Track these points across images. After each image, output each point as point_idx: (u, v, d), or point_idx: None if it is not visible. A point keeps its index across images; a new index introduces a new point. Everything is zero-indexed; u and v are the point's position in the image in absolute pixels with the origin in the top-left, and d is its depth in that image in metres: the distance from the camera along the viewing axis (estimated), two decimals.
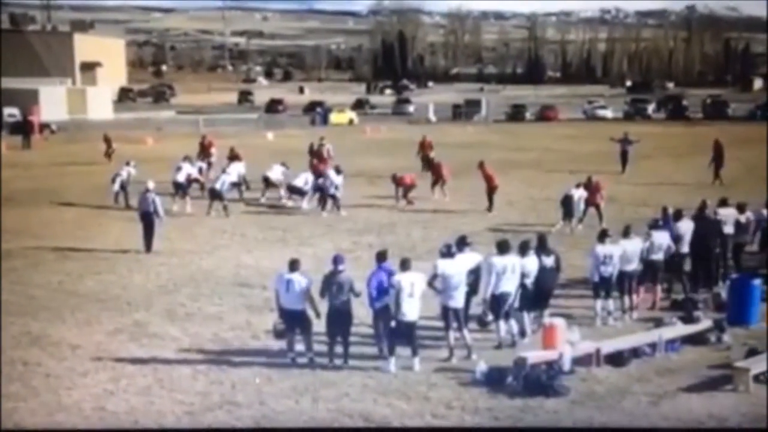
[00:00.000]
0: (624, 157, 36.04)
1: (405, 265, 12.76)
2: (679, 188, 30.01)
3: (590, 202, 23.75)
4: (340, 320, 12.80)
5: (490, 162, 28.12)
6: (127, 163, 28.72)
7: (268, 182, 28.69)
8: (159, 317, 15.62)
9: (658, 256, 15.74)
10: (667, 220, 16.93)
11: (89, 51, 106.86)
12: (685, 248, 16.71)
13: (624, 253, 15.00)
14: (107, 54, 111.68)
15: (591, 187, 23.91)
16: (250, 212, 26.78)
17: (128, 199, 26.74)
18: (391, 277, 12.73)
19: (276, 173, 28.71)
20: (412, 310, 12.55)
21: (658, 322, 14.48)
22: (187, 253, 20.92)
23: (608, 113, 78.91)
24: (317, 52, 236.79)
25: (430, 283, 13.22)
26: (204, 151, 33.81)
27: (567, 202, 23.56)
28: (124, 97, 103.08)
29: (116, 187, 27.48)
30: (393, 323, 12.64)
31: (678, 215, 17.06)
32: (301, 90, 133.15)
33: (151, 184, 21.71)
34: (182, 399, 11.67)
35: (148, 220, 21.02)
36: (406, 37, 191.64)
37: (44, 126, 57.69)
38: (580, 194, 23.70)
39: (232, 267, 19.54)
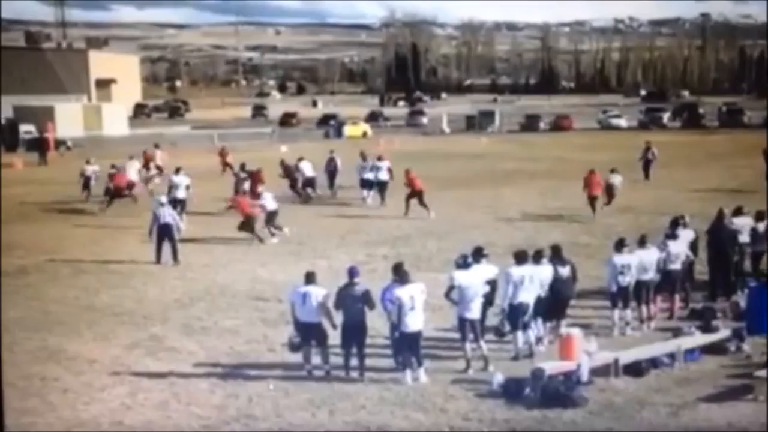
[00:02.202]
0: (647, 166, 36.44)
1: (403, 279, 12.69)
2: (695, 197, 29.85)
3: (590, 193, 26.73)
4: (355, 332, 12.76)
5: (504, 172, 28.10)
6: (88, 162, 33.39)
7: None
8: (175, 331, 15.62)
9: (676, 266, 15.66)
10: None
11: (104, 68, 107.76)
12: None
13: (641, 262, 14.92)
14: (122, 70, 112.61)
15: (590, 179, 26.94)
16: (263, 226, 26.76)
17: (91, 192, 31.98)
18: (390, 292, 12.73)
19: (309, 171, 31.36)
20: (414, 321, 12.48)
21: (677, 332, 14.36)
22: (202, 267, 20.94)
23: (623, 122, 78.75)
24: (330, 66, 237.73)
25: (447, 295, 13.20)
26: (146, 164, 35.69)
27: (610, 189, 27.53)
28: (139, 113, 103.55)
29: (89, 181, 32.50)
30: (397, 334, 12.63)
31: (675, 224, 16.95)
32: (315, 103, 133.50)
33: (163, 198, 22.74)
34: (199, 413, 11.65)
35: (166, 232, 21.26)
36: (419, 49, 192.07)
37: (60, 142, 58.05)
38: (620, 180, 27.84)
39: (247, 280, 19.53)
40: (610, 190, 27.70)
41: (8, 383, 12.35)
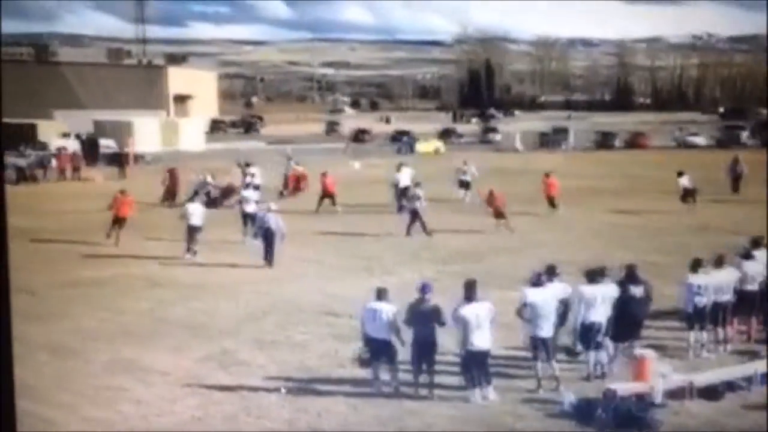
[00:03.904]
0: (736, 180, 38.16)
1: (470, 296, 12.61)
2: None
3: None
4: (425, 349, 12.71)
5: (577, 190, 27.76)
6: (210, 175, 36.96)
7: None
8: (246, 345, 15.76)
9: (753, 287, 15.25)
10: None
11: (182, 83, 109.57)
12: None
13: (718, 283, 14.57)
14: (199, 86, 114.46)
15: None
16: (332, 241, 26.90)
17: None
18: (456, 310, 12.64)
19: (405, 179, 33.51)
20: (481, 340, 12.39)
21: (754, 355, 14.01)
22: (273, 281, 21.11)
23: (700, 140, 77.21)
24: (403, 82, 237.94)
25: (519, 313, 13.08)
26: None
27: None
28: (215, 128, 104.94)
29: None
30: (463, 352, 12.53)
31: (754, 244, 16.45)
32: (387, 120, 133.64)
33: (273, 206, 24.28)
34: (269, 426, 11.73)
35: (268, 236, 22.63)
36: (492, 65, 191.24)
37: (138, 157, 59.17)
38: (683, 182, 31.54)
39: (318, 295, 19.62)
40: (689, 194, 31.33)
41: (80, 393, 12.72)
